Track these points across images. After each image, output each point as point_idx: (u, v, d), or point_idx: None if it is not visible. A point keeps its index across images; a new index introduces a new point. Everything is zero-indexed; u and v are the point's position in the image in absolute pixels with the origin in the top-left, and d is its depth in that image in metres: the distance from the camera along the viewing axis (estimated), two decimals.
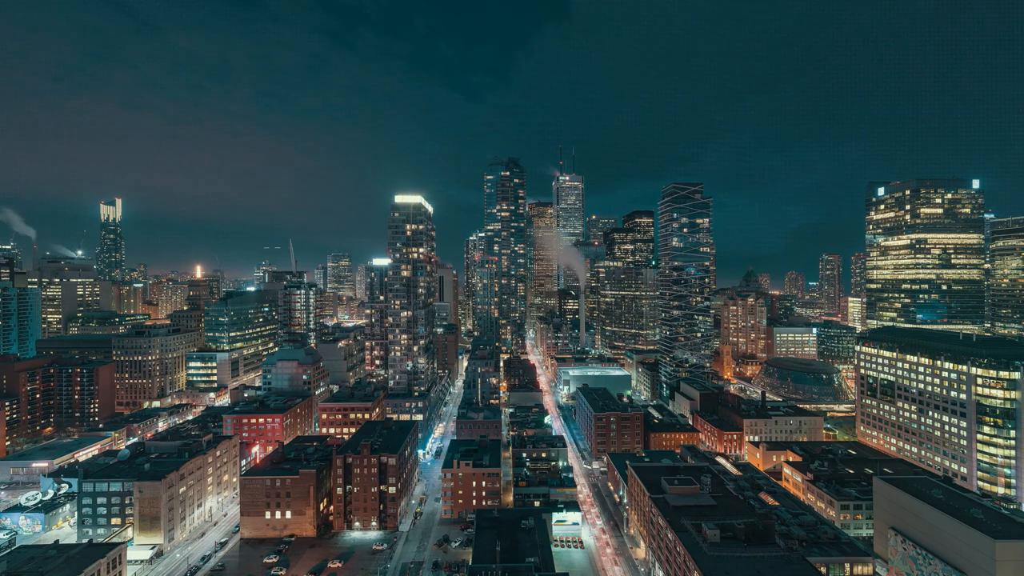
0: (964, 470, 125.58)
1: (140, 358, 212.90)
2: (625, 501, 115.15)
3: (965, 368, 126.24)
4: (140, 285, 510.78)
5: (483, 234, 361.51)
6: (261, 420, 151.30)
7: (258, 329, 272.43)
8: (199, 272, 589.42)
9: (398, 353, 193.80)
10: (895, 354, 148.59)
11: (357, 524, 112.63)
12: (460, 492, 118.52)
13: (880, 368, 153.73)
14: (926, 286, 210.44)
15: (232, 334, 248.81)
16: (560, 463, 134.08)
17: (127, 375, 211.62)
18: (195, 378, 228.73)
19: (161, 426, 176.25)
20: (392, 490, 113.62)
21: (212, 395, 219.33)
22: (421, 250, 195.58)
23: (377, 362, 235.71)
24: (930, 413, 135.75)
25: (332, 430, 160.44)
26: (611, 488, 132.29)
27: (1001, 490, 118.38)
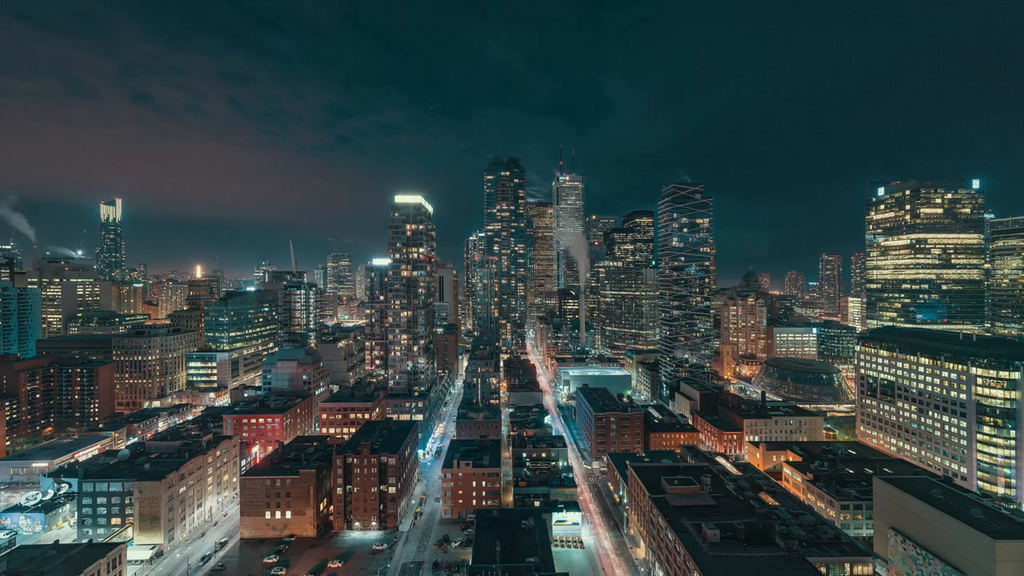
0: (964, 470, 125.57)
1: (140, 358, 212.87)
2: (625, 501, 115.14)
3: (965, 368, 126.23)
4: (140, 285, 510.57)
5: (483, 234, 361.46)
6: (261, 420, 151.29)
7: (258, 329, 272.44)
8: (199, 272, 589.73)
9: (398, 353, 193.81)
10: (895, 354, 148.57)
11: (357, 524, 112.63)
12: (460, 492, 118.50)
13: (880, 368, 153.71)
14: (926, 286, 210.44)
15: (232, 334, 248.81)
16: (560, 463, 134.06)
17: (127, 375, 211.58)
18: (195, 378, 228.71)
19: (161, 426, 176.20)
20: (392, 490, 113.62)
21: (212, 395, 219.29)
22: (421, 250, 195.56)
23: (377, 362, 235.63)
24: (930, 413, 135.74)
25: (332, 430, 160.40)
26: (611, 488, 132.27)
27: (1001, 490, 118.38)
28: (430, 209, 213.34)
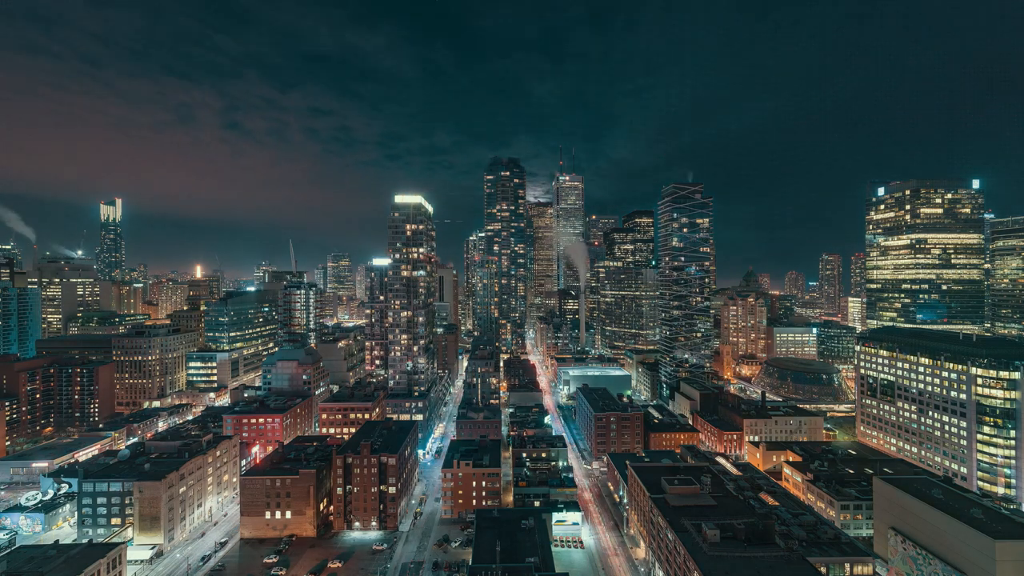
0: (964, 470, 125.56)
1: (140, 358, 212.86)
2: (625, 501, 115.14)
3: (965, 368, 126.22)
4: (140, 285, 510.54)
5: (483, 234, 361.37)
6: (261, 420, 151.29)
7: (258, 329, 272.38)
8: (199, 272, 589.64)
9: (398, 353, 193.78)
10: (895, 354, 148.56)
11: (357, 524, 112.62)
12: (460, 492, 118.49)
13: (880, 368, 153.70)
14: (926, 286, 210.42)
15: (232, 334, 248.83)
16: (560, 463, 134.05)
17: (127, 375, 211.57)
18: (195, 378, 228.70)
19: (161, 426, 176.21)
20: (392, 490, 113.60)
21: (212, 395, 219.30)
22: (421, 250, 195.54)
23: (377, 362, 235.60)
24: (930, 413, 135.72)
25: (332, 430, 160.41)
26: (611, 488, 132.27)
27: (1001, 490, 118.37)
28: (430, 209, 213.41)
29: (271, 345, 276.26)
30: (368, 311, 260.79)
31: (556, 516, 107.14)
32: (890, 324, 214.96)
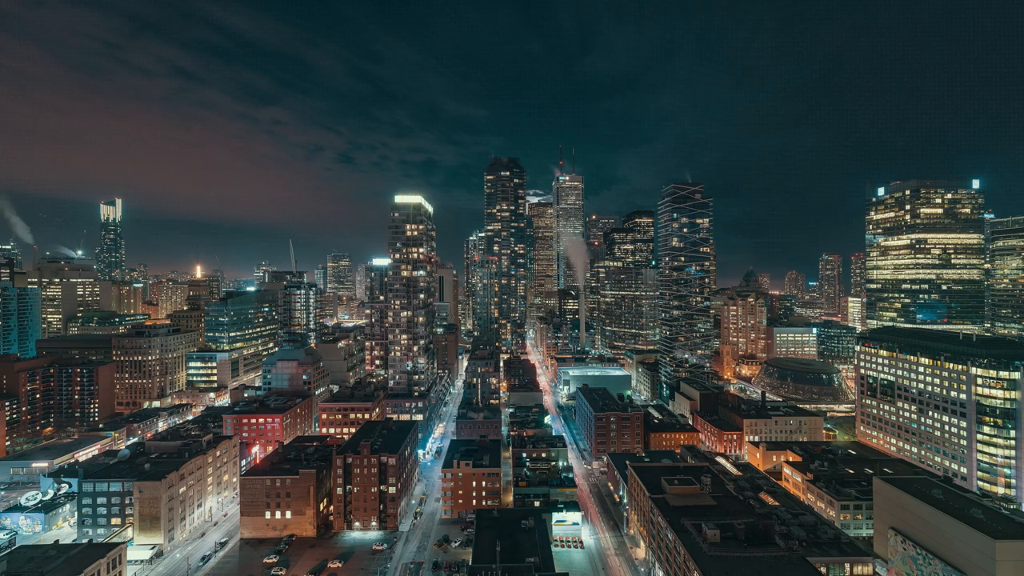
0: (964, 470, 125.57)
1: (140, 358, 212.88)
2: (625, 501, 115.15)
3: (965, 368, 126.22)
4: (140, 285, 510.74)
5: (483, 234, 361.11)
6: (261, 420, 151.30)
7: (258, 329, 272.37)
8: (199, 272, 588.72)
9: (398, 353, 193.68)
10: (895, 354, 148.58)
11: (357, 524, 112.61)
12: (460, 492, 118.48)
13: (880, 368, 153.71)
14: (926, 286, 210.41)
15: (232, 334, 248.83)
16: (560, 463, 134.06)
17: (127, 375, 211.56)
18: (195, 378, 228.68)
19: (161, 426, 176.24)
20: (392, 490, 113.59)
21: (212, 395, 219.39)
22: (421, 250, 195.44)
23: (377, 362, 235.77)
24: (930, 413, 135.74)
25: (332, 430, 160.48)
26: (611, 488, 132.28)
27: (1001, 490, 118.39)
28: (430, 209, 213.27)
29: (271, 345, 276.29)
30: (368, 311, 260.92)
31: (556, 516, 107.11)
32: (890, 324, 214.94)
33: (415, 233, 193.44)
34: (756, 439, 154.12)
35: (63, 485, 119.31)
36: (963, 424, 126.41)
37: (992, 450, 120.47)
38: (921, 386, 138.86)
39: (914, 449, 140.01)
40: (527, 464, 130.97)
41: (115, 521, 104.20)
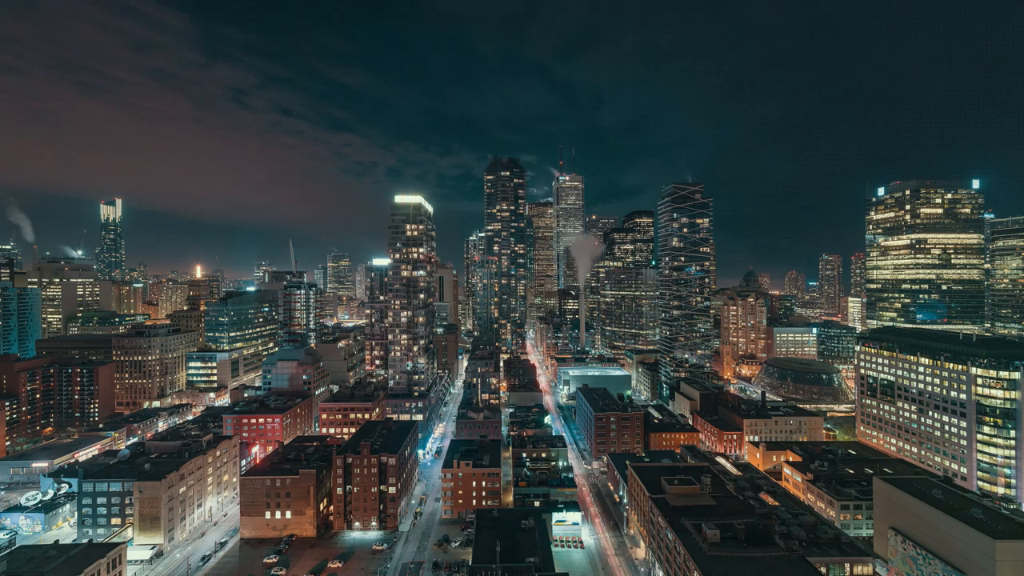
0: (964, 470, 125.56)
1: (140, 358, 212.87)
2: (625, 501, 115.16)
3: (965, 368, 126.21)
4: (140, 285, 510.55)
5: (483, 234, 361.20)
6: (261, 420, 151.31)
7: (258, 329, 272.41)
8: (199, 272, 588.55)
9: (398, 353, 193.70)
10: (895, 354, 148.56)
11: (357, 524, 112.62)
12: (460, 492, 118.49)
13: (880, 368, 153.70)
14: (926, 286, 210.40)
15: (232, 334, 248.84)
16: (560, 463, 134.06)
17: (127, 375, 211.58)
18: (195, 378, 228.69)
19: (161, 426, 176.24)
20: (392, 490, 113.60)
21: (212, 395, 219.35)
22: (421, 250, 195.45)
23: (377, 362, 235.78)
24: (930, 413, 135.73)
25: (332, 430, 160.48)
26: (611, 488, 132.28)
27: (1001, 490, 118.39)
28: (430, 209, 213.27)
29: (271, 345, 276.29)
30: (368, 311, 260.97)
31: (556, 516, 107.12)
32: (890, 324, 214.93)
33: (415, 233, 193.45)
34: (756, 439, 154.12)
35: (63, 485, 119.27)
36: (963, 424, 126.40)
37: (992, 450, 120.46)
38: (921, 386, 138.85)
39: (914, 449, 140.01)
40: (527, 464, 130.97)
41: (115, 521, 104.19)
